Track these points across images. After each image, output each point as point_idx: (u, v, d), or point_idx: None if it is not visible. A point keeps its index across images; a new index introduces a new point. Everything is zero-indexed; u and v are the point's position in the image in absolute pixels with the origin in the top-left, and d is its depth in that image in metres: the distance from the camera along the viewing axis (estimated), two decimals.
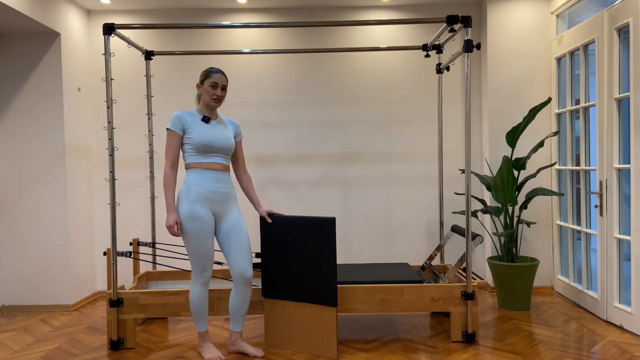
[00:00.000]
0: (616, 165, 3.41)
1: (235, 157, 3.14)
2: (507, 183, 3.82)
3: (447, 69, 3.94)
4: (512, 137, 3.89)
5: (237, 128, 3.11)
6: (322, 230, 2.96)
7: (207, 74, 2.94)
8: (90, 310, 4.10)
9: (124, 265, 4.55)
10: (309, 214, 4.57)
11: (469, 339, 3.18)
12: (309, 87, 4.55)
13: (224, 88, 2.96)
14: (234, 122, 3.11)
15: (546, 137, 3.89)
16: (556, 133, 3.89)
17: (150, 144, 3.93)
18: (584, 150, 3.87)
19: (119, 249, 4.42)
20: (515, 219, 4.11)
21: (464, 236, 3.36)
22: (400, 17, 4.53)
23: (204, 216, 2.86)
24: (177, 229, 2.83)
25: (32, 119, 4.02)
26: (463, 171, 4.35)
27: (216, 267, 4.09)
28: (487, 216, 4.44)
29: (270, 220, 3.10)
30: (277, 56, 4.54)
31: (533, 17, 4.32)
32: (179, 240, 4.49)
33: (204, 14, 4.50)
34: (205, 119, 2.94)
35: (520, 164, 3.87)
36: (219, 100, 2.95)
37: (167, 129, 2.91)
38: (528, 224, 3.78)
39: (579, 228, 3.90)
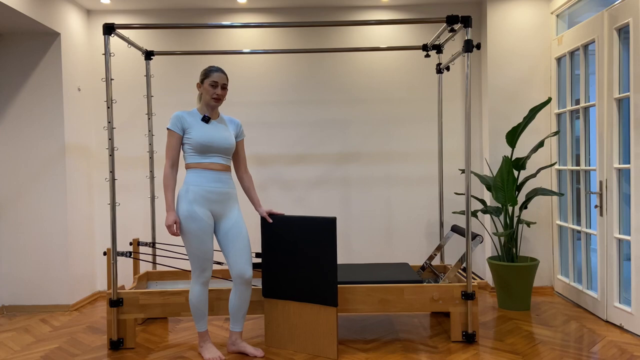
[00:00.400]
0: (616, 165, 3.41)
1: (237, 156, 3.13)
2: (507, 183, 3.82)
3: (447, 69, 3.94)
4: (512, 137, 3.89)
5: (239, 128, 3.09)
6: (323, 230, 2.96)
7: (207, 73, 2.93)
8: (90, 310, 4.10)
9: (124, 265, 4.55)
10: (309, 214, 4.57)
11: (469, 339, 3.18)
12: (309, 87, 4.55)
13: (224, 87, 2.95)
14: (235, 122, 3.09)
15: (546, 137, 3.89)
16: (556, 133, 3.89)
17: (150, 144, 3.93)
18: (584, 150, 3.87)
19: (119, 249, 4.42)
20: (515, 219, 4.11)
21: (464, 236, 3.36)
22: (400, 17, 4.53)
23: (203, 216, 2.85)
24: (176, 228, 2.84)
25: (32, 119, 4.02)
26: (463, 171, 4.35)
27: (216, 267, 4.09)
28: (487, 216, 4.44)
29: (270, 220, 3.10)
30: (277, 56, 4.54)
31: (533, 17, 4.32)
32: (179, 240, 4.49)
33: (204, 14, 4.50)
34: (205, 119, 2.94)
35: (520, 164, 3.87)
36: (219, 99, 2.94)
37: (167, 128, 2.91)
38: (528, 224, 3.78)
39: (579, 228, 3.90)
